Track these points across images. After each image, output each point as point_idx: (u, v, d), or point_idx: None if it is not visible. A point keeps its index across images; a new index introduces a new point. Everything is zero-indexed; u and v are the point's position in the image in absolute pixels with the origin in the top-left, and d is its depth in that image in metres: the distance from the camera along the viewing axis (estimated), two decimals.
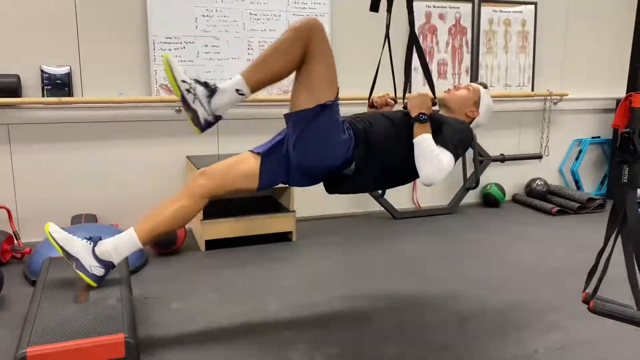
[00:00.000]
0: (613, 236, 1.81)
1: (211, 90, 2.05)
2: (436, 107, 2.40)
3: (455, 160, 2.26)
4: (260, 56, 2.11)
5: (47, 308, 2.00)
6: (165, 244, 3.35)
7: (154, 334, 2.36)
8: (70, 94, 3.50)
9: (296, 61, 2.07)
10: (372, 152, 2.21)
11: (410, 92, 4.26)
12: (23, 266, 3.08)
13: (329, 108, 2.09)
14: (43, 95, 3.44)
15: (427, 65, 2.38)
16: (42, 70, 3.43)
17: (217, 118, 2.10)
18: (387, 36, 2.48)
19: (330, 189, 2.36)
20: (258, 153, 2.21)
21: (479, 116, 2.48)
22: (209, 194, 2.18)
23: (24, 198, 3.54)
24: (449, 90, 2.50)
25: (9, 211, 3.37)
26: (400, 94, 2.57)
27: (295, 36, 2.04)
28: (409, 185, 2.75)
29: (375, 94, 2.60)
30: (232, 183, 2.18)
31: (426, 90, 2.41)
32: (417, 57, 2.36)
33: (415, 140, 2.19)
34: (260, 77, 2.08)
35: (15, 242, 3.30)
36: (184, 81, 2.03)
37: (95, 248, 2.15)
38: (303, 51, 2.05)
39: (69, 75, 3.48)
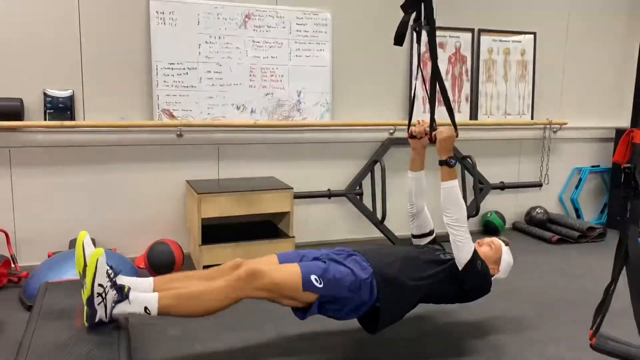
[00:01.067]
0: (619, 271, 1.79)
1: (121, 297, 2.05)
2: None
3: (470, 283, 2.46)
4: (188, 288, 2.17)
5: (42, 334, 1.97)
6: (162, 269, 3.33)
7: None
8: (72, 117, 3.51)
9: (215, 309, 2.17)
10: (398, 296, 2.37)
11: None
12: (19, 290, 3.05)
13: (332, 301, 2.25)
14: (45, 119, 3.46)
15: (448, 100, 2.46)
16: (45, 94, 3.45)
17: (112, 321, 2.10)
18: (418, 66, 2.55)
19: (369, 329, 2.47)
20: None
21: (498, 273, 2.64)
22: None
23: (22, 221, 3.53)
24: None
25: (7, 234, 3.36)
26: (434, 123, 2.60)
27: (233, 294, 2.15)
28: (409, 214, 2.76)
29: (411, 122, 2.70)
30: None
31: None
32: (440, 92, 2.43)
33: (442, 185, 2.35)
34: (174, 309, 2.10)
35: (13, 265, 3.28)
36: (100, 285, 2.02)
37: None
38: (234, 302, 2.18)
39: (71, 98, 3.50)
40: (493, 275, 2.60)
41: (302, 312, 2.28)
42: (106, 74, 3.60)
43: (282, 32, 3.93)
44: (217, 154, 3.93)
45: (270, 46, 3.92)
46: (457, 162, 2.38)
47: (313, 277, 2.20)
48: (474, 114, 4.58)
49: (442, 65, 4.44)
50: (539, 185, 4.90)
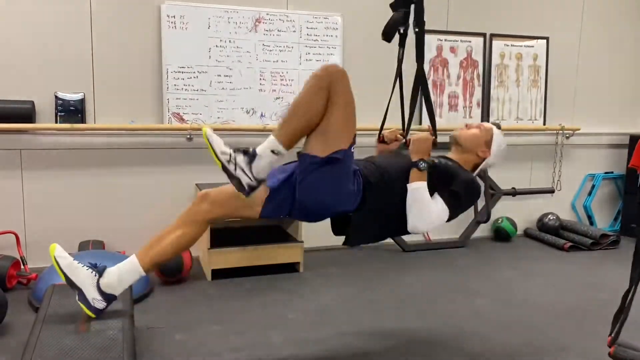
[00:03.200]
0: (638, 278, 1.75)
1: (250, 157, 2.06)
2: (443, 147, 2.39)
3: (456, 213, 2.28)
4: (287, 112, 2.13)
5: (47, 337, 1.97)
6: (171, 273, 3.33)
7: None
8: (82, 120, 3.53)
9: (321, 110, 2.07)
10: (379, 208, 2.22)
11: (420, 123, 4.26)
12: (28, 292, 3.07)
13: (341, 158, 2.08)
14: (56, 122, 3.48)
15: (431, 105, 2.36)
16: (56, 97, 3.48)
17: (260, 182, 2.09)
18: (399, 71, 2.46)
19: (336, 231, 2.36)
20: (267, 187, 2.19)
21: (490, 156, 2.47)
22: (211, 220, 2.20)
23: (32, 223, 3.55)
24: (460, 128, 2.50)
25: (17, 236, 3.38)
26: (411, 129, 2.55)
27: (317, 85, 2.05)
28: None
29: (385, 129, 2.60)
30: (234, 211, 2.19)
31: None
32: (422, 95, 2.36)
33: (409, 186, 2.22)
34: (290, 132, 2.09)
35: (22, 267, 3.30)
36: (223, 152, 2.05)
37: (100, 280, 2.13)
38: (326, 100, 2.05)
39: (82, 101, 3.52)
40: (484, 159, 2.46)
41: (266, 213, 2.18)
42: (117, 78, 3.62)
43: (293, 36, 3.93)
44: None
45: (281, 50, 3.91)
46: (428, 166, 2.22)
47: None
48: (485, 119, 4.54)
49: (454, 70, 4.41)
50: (552, 191, 4.84)
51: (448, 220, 2.30)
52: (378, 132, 2.61)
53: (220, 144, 2.06)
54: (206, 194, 2.20)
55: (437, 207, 2.23)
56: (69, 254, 2.21)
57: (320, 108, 2.05)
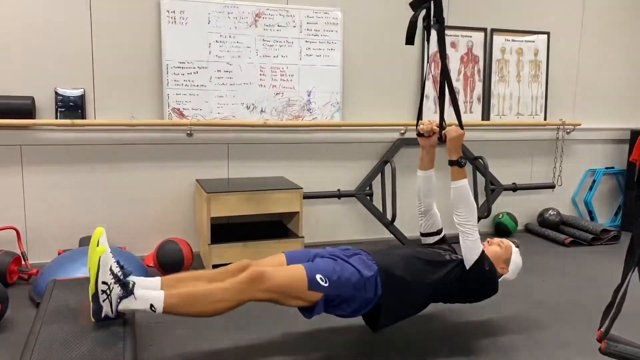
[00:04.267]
0: (630, 273, 1.75)
1: (126, 293, 2.04)
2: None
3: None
4: (194, 288, 2.16)
5: (47, 332, 1.98)
6: (172, 268, 3.33)
7: None
8: (83, 116, 3.53)
9: (228, 309, 2.17)
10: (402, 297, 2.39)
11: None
12: (29, 287, 3.07)
13: (329, 294, 2.23)
14: (56, 117, 3.48)
15: (456, 99, 2.46)
16: (56, 93, 3.47)
17: (119, 316, 2.10)
18: (428, 65, 2.59)
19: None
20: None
21: (507, 274, 2.63)
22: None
23: (33, 219, 3.55)
24: (483, 244, 2.57)
25: (18, 232, 3.38)
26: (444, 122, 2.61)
27: (234, 294, 2.14)
28: (417, 213, 2.77)
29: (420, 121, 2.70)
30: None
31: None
32: (448, 92, 2.44)
33: (453, 184, 2.39)
34: (180, 309, 2.09)
35: (23, 262, 3.30)
36: (104, 282, 2.03)
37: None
38: (239, 305, 2.17)
39: (82, 97, 3.52)
40: (501, 276, 2.61)
41: (308, 311, 2.27)
42: (117, 73, 3.61)
43: (293, 31, 3.92)
44: (227, 154, 3.93)
45: (281, 45, 3.91)
46: (468, 162, 2.38)
47: (318, 277, 2.19)
48: (486, 115, 4.54)
49: (454, 65, 4.40)
50: (552, 186, 4.84)
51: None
52: (415, 126, 2.69)
53: (105, 273, 2.02)
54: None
55: (475, 235, 2.44)
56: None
57: (221, 310, 2.15)
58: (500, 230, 4.62)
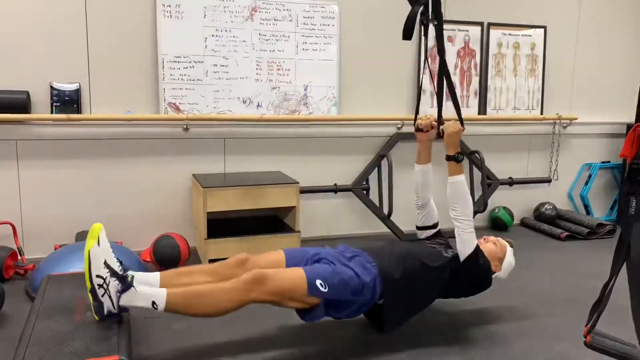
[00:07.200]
0: (618, 269, 1.75)
1: (125, 286, 2.01)
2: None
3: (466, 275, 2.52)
4: (196, 287, 2.16)
5: (42, 327, 1.98)
6: (168, 263, 3.33)
7: (153, 355, 2.33)
8: (78, 110, 3.52)
9: (230, 310, 2.18)
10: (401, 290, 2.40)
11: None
12: (25, 282, 3.07)
13: (329, 298, 2.24)
14: (52, 112, 3.47)
15: (455, 94, 2.48)
16: (51, 87, 3.46)
17: (123, 311, 2.07)
18: (425, 60, 2.60)
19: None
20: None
21: (500, 272, 2.66)
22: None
23: (29, 214, 3.55)
24: (479, 241, 2.60)
25: (13, 227, 3.38)
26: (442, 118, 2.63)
27: (237, 295, 2.14)
28: (415, 207, 2.79)
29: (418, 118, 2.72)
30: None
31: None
32: (447, 88, 2.47)
33: (450, 179, 2.40)
34: (182, 309, 2.09)
35: (19, 257, 3.30)
36: (98, 276, 1.99)
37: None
38: (242, 306, 2.18)
39: (77, 92, 3.51)
40: (494, 273, 2.63)
41: (305, 314, 2.29)
42: (113, 68, 3.60)
43: (289, 25, 3.91)
44: (224, 148, 3.92)
45: (277, 39, 3.89)
46: (464, 157, 2.40)
47: (318, 282, 2.21)
48: (482, 109, 4.54)
49: (451, 59, 4.40)
50: (548, 181, 4.85)
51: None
52: (413, 121, 2.71)
53: (99, 266, 1.99)
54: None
55: (470, 229, 2.46)
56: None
57: (224, 311, 2.16)
58: (497, 224, 4.63)
